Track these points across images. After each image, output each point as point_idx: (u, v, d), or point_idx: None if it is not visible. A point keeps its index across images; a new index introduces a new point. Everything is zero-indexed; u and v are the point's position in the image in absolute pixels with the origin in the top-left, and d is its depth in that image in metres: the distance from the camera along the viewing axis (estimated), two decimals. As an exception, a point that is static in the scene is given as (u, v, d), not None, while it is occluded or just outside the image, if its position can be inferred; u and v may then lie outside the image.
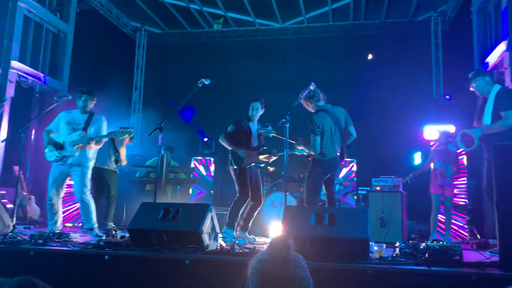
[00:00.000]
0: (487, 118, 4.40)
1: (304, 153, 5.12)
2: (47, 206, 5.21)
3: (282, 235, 1.68)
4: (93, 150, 5.32)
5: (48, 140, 5.24)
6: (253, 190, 5.49)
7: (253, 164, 5.50)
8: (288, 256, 1.49)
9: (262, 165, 5.64)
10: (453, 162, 6.24)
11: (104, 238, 4.11)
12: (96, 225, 5.20)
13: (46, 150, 5.25)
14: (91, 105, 5.36)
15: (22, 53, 7.51)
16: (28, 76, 7.53)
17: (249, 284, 1.52)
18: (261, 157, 5.56)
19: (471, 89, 4.70)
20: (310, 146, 4.89)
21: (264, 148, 5.62)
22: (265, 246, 4.04)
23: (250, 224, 5.53)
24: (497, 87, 4.51)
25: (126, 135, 5.16)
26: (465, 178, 6.96)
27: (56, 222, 5.15)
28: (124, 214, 6.86)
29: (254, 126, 5.66)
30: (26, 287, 1.28)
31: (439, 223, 6.28)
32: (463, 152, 6.93)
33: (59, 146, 5.18)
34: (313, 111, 5.03)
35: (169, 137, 6.33)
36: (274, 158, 5.60)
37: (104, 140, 5.37)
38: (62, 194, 5.28)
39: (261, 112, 5.67)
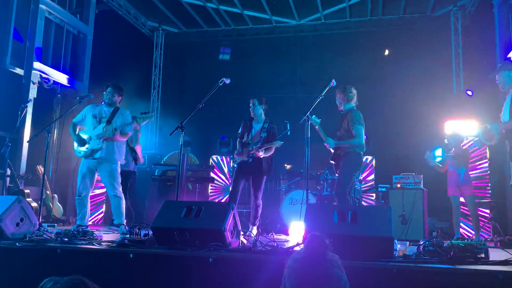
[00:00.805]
0: (505, 115, 4.37)
1: (342, 145, 5.02)
2: (76, 201, 5.30)
3: (318, 234, 1.66)
4: (120, 144, 5.37)
5: (77, 137, 5.32)
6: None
7: (240, 159, 5.62)
8: (325, 256, 1.49)
9: (249, 159, 5.52)
10: (463, 162, 6.12)
11: (128, 236, 4.16)
12: (125, 221, 5.30)
13: (75, 146, 5.34)
14: (117, 99, 5.46)
15: (43, 54, 7.66)
16: (50, 77, 7.67)
17: (286, 283, 1.52)
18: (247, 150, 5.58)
19: (496, 81, 4.64)
20: (355, 138, 4.92)
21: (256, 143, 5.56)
22: (286, 244, 4.06)
23: (255, 221, 5.63)
24: None
25: (147, 120, 5.21)
26: (488, 174, 6.84)
27: (84, 217, 5.24)
28: (145, 213, 6.95)
29: (256, 124, 5.73)
30: (77, 285, 1.34)
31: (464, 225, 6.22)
32: (484, 148, 6.83)
33: (83, 142, 5.25)
34: (345, 108, 5.14)
35: (187, 135, 6.39)
36: (262, 154, 5.49)
37: (129, 131, 5.40)
38: (91, 190, 5.37)
39: (260, 109, 5.67)
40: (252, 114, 5.67)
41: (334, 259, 1.53)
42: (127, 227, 5.17)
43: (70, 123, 5.54)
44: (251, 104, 5.67)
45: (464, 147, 6.47)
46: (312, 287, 1.46)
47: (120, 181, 5.32)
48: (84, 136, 5.32)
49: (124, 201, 5.31)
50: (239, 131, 5.82)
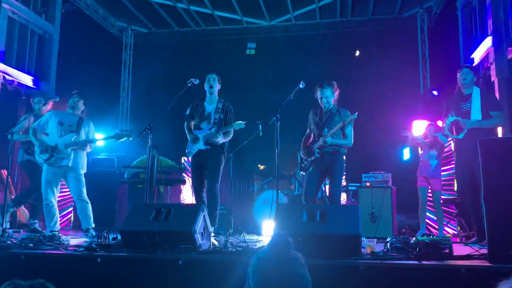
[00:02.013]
0: (476, 114, 4.52)
1: (337, 144, 4.84)
2: (44, 209, 5.20)
3: (281, 233, 1.68)
4: (85, 154, 5.42)
5: (40, 142, 5.19)
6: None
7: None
8: (288, 254, 1.51)
9: (207, 147, 4.96)
10: (437, 154, 6.24)
11: (96, 240, 4.08)
12: (93, 225, 5.26)
13: (36, 151, 5.20)
14: (81, 106, 5.43)
15: (7, 55, 7.42)
16: (14, 78, 7.44)
17: (250, 282, 1.52)
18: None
19: (461, 81, 4.75)
20: (347, 138, 4.86)
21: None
22: (257, 244, 4.06)
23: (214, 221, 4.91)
24: (476, 88, 4.72)
25: (125, 138, 5.28)
26: (453, 171, 7.03)
27: (56, 223, 5.21)
28: (115, 216, 6.83)
29: (208, 105, 5.14)
30: None
31: (429, 220, 6.36)
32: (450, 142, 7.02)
33: (50, 149, 5.16)
34: (335, 105, 5.01)
35: (158, 137, 6.29)
36: (221, 139, 4.96)
37: (98, 143, 5.55)
38: (57, 195, 5.33)
39: (218, 86, 5.13)
40: (208, 93, 5.09)
41: (297, 257, 1.54)
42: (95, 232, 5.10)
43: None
44: (211, 81, 5.05)
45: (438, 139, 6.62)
46: (276, 285, 1.47)
47: (85, 186, 5.33)
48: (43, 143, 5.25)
49: (90, 205, 5.28)
50: (187, 113, 5.17)
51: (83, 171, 5.36)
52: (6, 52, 7.33)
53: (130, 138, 5.24)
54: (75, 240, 4.58)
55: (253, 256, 1.59)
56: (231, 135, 5.09)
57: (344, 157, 5.02)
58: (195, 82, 4.95)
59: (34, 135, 5.24)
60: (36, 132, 5.24)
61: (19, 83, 7.60)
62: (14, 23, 7.71)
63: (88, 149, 5.39)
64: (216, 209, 4.86)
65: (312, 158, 4.88)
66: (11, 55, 7.62)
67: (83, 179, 5.33)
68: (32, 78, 7.90)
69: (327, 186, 4.98)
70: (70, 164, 5.19)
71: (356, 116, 4.80)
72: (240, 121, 4.93)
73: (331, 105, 4.97)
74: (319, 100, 4.98)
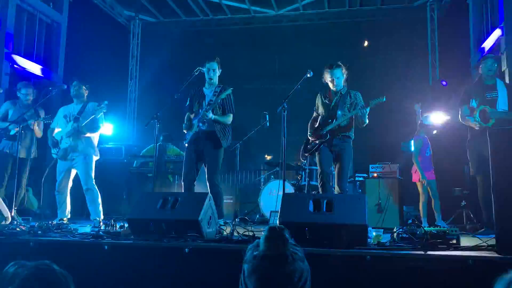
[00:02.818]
0: (503, 104, 4.50)
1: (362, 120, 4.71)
2: (56, 196, 5.26)
3: (276, 228, 1.60)
4: (92, 138, 5.32)
5: (51, 139, 5.33)
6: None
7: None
8: (285, 251, 1.44)
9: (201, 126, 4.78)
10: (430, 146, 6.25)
11: (103, 228, 4.11)
12: (101, 217, 5.16)
13: (52, 150, 5.34)
14: (84, 92, 5.38)
15: (15, 44, 7.45)
16: (22, 67, 7.48)
17: (246, 281, 1.47)
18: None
19: (487, 71, 4.68)
20: (365, 118, 4.66)
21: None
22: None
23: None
24: (499, 80, 4.69)
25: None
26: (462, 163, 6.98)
27: (65, 210, 5.23)
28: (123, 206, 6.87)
29: (207, 90, 4.99)
30: (43, 271, 1.31)
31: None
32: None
33: (57, 143, 5.25)
34: (345, 86, 4.91)
35: (165, 126, 6.29)
36: (211, 115, 4.70)
37: (97, 129, 5.33)
38: (70, 184, 5.33)
39: (218, 73, 4.99)
40: (208, 83, 4.97)
41: (295, 251, 1.47)
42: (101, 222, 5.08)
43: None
44: (211, 73, 4.89)
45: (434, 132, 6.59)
46: (274, 285, 1.42)
47: (93, 175, 5.24)
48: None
49: (98, 194, 5.21)
50: (187, 104, 5.04)
51: (93, 157, 5.25)
52: (14, 40, 7.36)
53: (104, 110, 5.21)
54: (84, 229, 4.61)
55: (248, 250, 1.53)
56: (230, 118, 4.89)
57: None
58: (202, 71, 4.93)
59: (50, 134, 5.39)
60: (52, 131, 5.39)
61: (27, 72, 7.63)
62: (23, 12, 7.73)
63: (89, 134, 5.24)
64: (218, 200, 4.61)
65: (323, 140, 4.79)
66: (19, 44, 7.66)
67: (91, 167, 5.22)
68: (41, 67, 7.93)
69: (337, 172, 4.77)
70: (75, 151, 5.16)
71: (384, 100, 4.63)
72: (228, 88, 4.81)
73: (342, 86, 4.87)
74: (330, 83, 4.85)
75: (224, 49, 10.28)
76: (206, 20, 10.64)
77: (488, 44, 6.94)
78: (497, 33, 6.56)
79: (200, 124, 4.74)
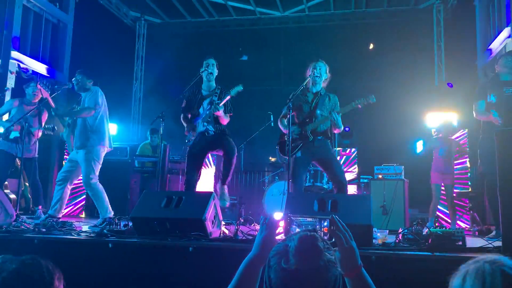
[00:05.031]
0: None
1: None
2: (56, 186, 5.05)
3: (309, 235, 1.42)
4: (93, 131, 5.00)
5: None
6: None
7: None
8: (319, 262, 1.32)
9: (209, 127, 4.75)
10: (454, 149, 6.26)
11: (108, 227, 4.10)
12: (111, 214, 4.92)
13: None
14: (87, 83, 5.13)
15: (22, 44, 7.49)
16: (29, 67, 7.52)
17: None
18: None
19: (503, 68, 4.60)
20: (339, 122, 4.51)
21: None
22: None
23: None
24: None
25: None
26: (467, 165, 6.94)
27: (57, 208, 4.97)
28: (127, 205, 6.87)
29: (206, 92, 4.94)
30: (29, 266, 1.29)
31: (441, 213, 6.29)
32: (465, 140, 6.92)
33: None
34: (323, 87, 4.77)
35: (169, 126, 6.29)
36: (221, 113, 4.68)
37: (88, 110, 4.98)
38: (72, 180, 5.08)
39: (214, 72, 4.93)
40: (207, 79, 4.90)
41: (329, 258, 1.34)
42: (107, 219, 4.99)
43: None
44: (211, 67, 4.88)
45: (453, 137, 6.56)
46: None
47: (97, 171, 4.95)
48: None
49: (103, 192, 4.97)
50: (183, 106, 4.93)
51: (94, 146, 4.91)
52: (20, 40, 7.40)
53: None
54: (87, 227, 4.62)
55: (273, 256, 1.37)
56: (228, 119, 4.80)
57: None
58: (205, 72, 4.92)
59: (68, 138, 5.51)
60: (69, 133, 5.42)
61: (33, 72, 7.67)
62: (29, 12, 7.77)
63: (85, 114, 4.96)
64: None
65: (305, 141, 4.54)
66: (25, 44, 7.70)
67: (92, 162, 4.88)
68: (46, 66, 7.97)
69: (330, 174, 4.60)
70: (75, 143, 5.02)
71: (374, 100, 4.54)
72: (237, 87, 4.69)
73: (320, 87, 4.72)
74: (311, 73, 4.64)
75: (230, 50, 10.29)
76: (212, 21, 10.66)
77: (495, 45, 6.90)
78: (504, 34, 6.53)
79: (205, 123, 4.71)
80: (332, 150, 4.69)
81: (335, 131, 4.68)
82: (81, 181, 5.09)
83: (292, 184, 4.46)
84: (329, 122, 4.62)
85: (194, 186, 4.73)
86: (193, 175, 4.73)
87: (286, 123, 4.53)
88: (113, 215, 4.89)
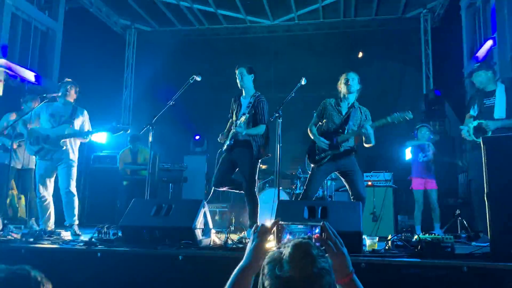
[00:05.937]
0: (500, 111, 4.42)
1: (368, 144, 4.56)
2: (37, 204, 5.04)
3: (303, 242, 1.41)
4: (77, 146, 5.16)
5: (29, 132, 5.00)
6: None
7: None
8: (313, 270, 1.31)
9: (227, 143, 4.78)
10: (432, 154, 6.32)
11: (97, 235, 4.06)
12: (77, 222, 4.95)
13: (27, 143, 5.04)
14: (74, 94, 5.16)
15: (10, 51, 7.44)
16: (17, 74, 7.46)
17: None
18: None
19: (477, 83, 4.68)
20: (372, 137, 4.46)
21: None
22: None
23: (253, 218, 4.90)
24: (501, 84, 4.61)
25: (121, 132, 5.10)
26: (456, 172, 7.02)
27: (48, 220, 4.97)
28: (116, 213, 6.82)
29: (244, 99, 4.97)
30: (20, 276, 1.28)
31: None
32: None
33: (41, 139, 4.97)
34: (354, 99, 4.74)
35: (160, 135, 6.27)
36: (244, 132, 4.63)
37: (94, 136, 5.30)
38: (51, 190, 5.07)
39: (249, 79, 4.97)
40: (240, 86, 4.94)
41: (323, 266, 1.34)
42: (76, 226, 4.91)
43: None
44: (237, 75, 4.90)
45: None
46: None
47: (75, 178, 5.03)
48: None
49: (76, 200, 5.00)
50: (230, 113, 5.06)
51: (75, 159, 5.08)
52: (9, 48, 7.35)
53: (128, 131, 5.12)
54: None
55: (268, 263, 1.37)
56: (262, 129, 4.75)
57: None
58: (197, 79, 4.92)
59: (24, 125, 5.09)
60: (26, 123, 5.07)
61: (22, 79, 7.61)
62: (18, 19, 7.73)
63: (82, 140, 5.15)
64: (253, 207, 4.76)
65: (335, 152, 4.50)
66: (14, 51, 7.65)
67: (74, 171, 5.01)
68: (35, 74, 7.91)
69: (352, 186, 4.53)
70: (62, 156, 4.95)
71: (411, 116, 4.45)
72: (262, 125, 4.72)
73: (354, 99, 4.68)
74: (344, 87, 4.63)
75: (220, 58, 10.30)
76: (202, 29, 10.68)
77: (481, 54, 7.02)
78: (489, 43, 6.64)
79: (231, 141, 4.74)
80: (356, 163, 4.64)
81: (366, 145, 4.58)
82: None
83: (305, 193, 4.53)
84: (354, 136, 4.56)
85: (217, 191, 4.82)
86: (221, 181, 4.84)
87: (315, 130, 4.64)
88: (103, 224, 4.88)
